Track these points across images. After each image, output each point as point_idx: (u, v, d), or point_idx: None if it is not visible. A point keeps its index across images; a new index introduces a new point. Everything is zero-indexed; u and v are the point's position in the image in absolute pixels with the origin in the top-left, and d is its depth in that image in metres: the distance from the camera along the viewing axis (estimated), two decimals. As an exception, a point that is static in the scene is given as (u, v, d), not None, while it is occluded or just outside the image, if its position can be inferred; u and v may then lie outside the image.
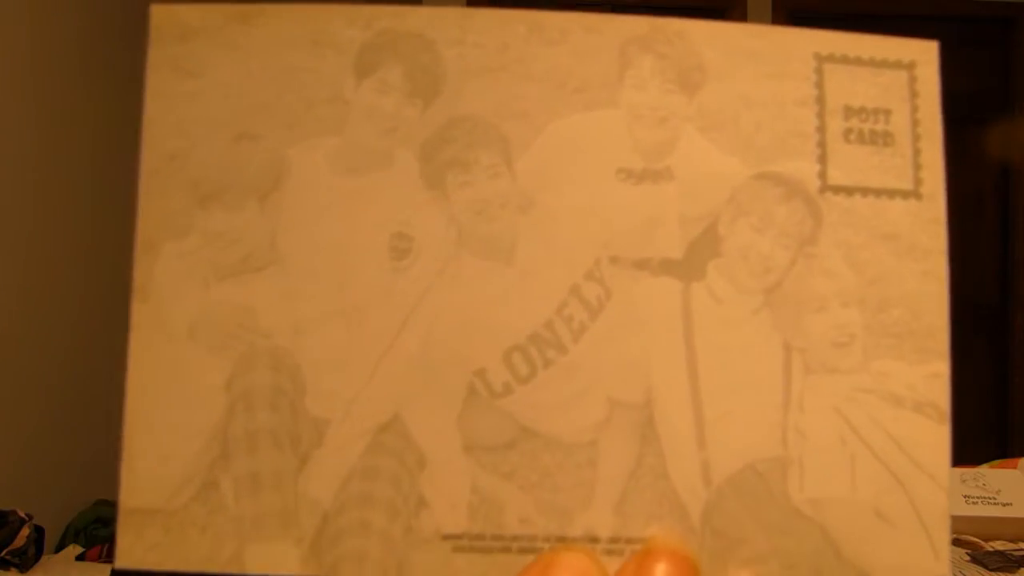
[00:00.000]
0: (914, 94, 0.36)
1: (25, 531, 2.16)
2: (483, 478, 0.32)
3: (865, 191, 0.35)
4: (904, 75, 0.36)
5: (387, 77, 0.34)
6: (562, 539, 0.32)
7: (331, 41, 0.34)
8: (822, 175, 0.35)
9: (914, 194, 0.35)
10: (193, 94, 0.34)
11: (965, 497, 1.75)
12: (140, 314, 0.33)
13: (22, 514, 2.17)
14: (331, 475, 0.33)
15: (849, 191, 0.35)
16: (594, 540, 0.33)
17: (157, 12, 0.35)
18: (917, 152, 0.36)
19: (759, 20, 3.34)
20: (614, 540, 0.33)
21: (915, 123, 0.36)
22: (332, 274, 0.33)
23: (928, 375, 0.34)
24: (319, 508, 0.32)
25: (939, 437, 0.34)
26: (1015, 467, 1.98)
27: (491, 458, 0.33)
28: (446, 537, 0.32)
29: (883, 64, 0.36)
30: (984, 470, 1.92)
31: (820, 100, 0.35)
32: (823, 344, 0.34)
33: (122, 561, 0.32)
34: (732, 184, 0.34)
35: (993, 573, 1.56)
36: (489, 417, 0.33)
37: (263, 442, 0.33)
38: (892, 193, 0.35)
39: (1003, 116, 3.44)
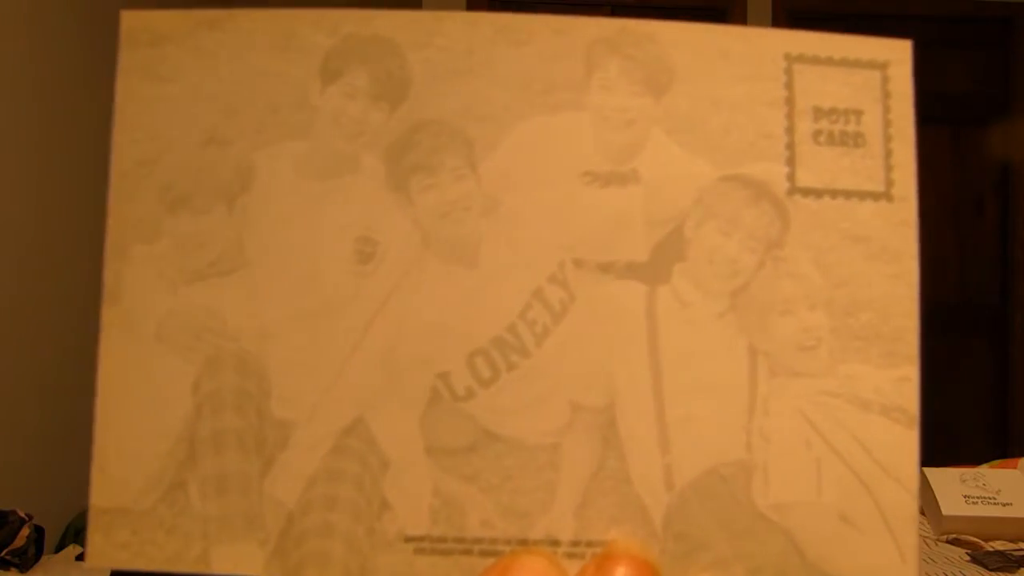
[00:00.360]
0: (886, 94, 0.36)
1: (25, 531, 2.17)
2: (445, 481, 0.33)
3: (835, 193, 0.35)
4: (877, 75, 0.36)
5: (353, 81, 0.34)
6: (523, 542, 0.33)
7: (298, 46, 0.35)
8: (791, 177, 0.35)
9: (885, 196, 0.35)
10: (163, 99, 0.35)
11: (965, 497, 1.75)
12: (109, 316, 0.34)
13: (22, 514, 2.18)
14: (296, 477, 0.33)
15: (818, 193, 0.35)
16: (555, 543, 0.33)
17: (127, 17, 0.35)
18: (889, 153, 0.36)
19: (759, 20, 3.35)
20: (575, 543, 0.33)
21: (887, 124, 0.36)
22: (298, 277, 0.34)
23: (896, 379, 0.34)
24: (284, 510, 0.33)
25: (907, 441, 0.34)
26: (1015, 467, 1.98)
27: (453, 461, 0.33)
28: (408, 539, 0.33)
29: (855, 64, 0.36)
30: (984, 470, 1.92)
31: (790, 101, 0.35)
32: (789, 347, 0.34)
33: (92, 560, 0.33)
34: (699, 186, 0.35)
35: (993, 573, 1.55)
36: (451, 420, 0.34)
37: (229, 444, 0.33)
38: (862, 195, 0.35)
39: (1003, 116, 3.44)
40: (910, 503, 0.34)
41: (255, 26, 0.35)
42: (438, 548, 0.33)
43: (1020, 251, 3.47)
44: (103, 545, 0.33)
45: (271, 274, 0.34)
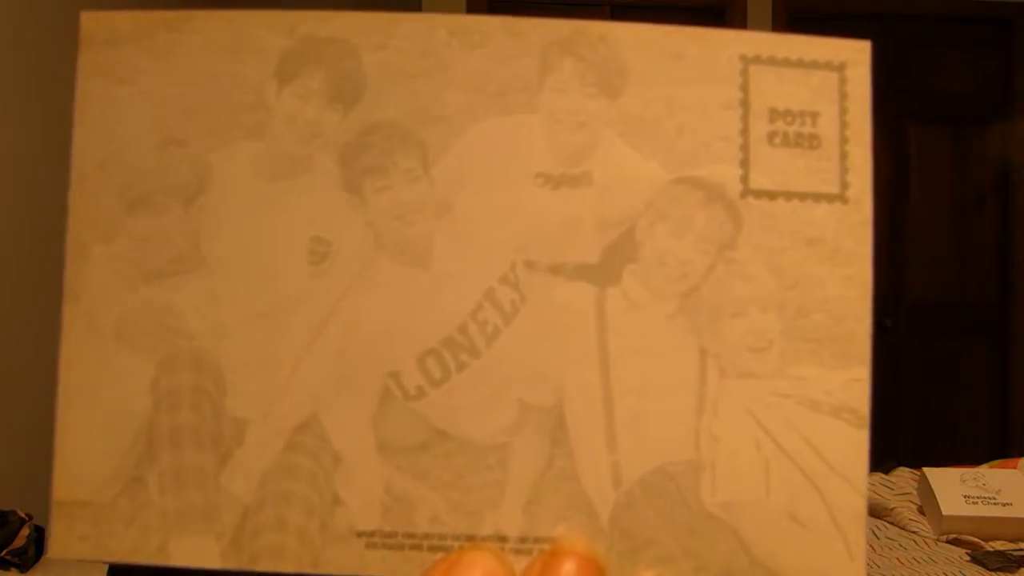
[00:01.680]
0: (843, 96, 0.37)
1: (25, 531, 2.18)
2: (396, 478, 0.35)
3: (789, 195, 0.36)
4: (834, 76, 0.37)
5: (309, 83, 0.35)
6: (472, 538, 0.34)
7: (254, 48, 0.36)
8: (744, 179, 0.36)
9: (840, 198, 0.36)
10: (122, 100, 0.37)
11: (965, 497, 1.76)
12: (70, 315, 0.36)
13: (22, 514, 2.20)
14: (251, 473, 0.35)
15: (772, 195, 0.36)
16: (503, 539, 0.34)
17: (87, 19, 0.36)
18: (844, 155, 0.36)
19: (759, 20, 3.35)
20: (523, 539, 0.35)
21: (843, 125, 0.36)
22: (253, 277, 0.36)
23: (847, 380, 0.35)
24: (239, 504, 0.35)
25: (857, 441, 0.35)
26: (1015, 467, 1.99)
27: (404, 459, 0.35)
28: (360, 534, 0.35)
29: (812, 65, 0.36)
30: (984, 470, 1.93)
31: (745, 103, 0.36)
32: (740, 349, 0.35)
33: (54, 551, 0.35)
34: (651, 189, 0.35)
35: (993, 573, 1.56)
36: (403, 419, 0.35)
37: (186, 440, 0.35)
38: (817, 197, 0.36)
39: (1003, 116, 3.44)
40: (859, 502, 0.35)
41: (212, 27, 0.36)
42: (388, 543, 0.34)
43: (1020, 251, 3.47)
44: (65, 537, 0.35)
45: (227, 274, 0.36)
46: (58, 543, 0.35)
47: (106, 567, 2.04)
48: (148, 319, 0.35)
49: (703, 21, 3.46)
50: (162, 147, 0.36)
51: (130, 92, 0.36)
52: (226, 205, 0.36)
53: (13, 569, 2.14)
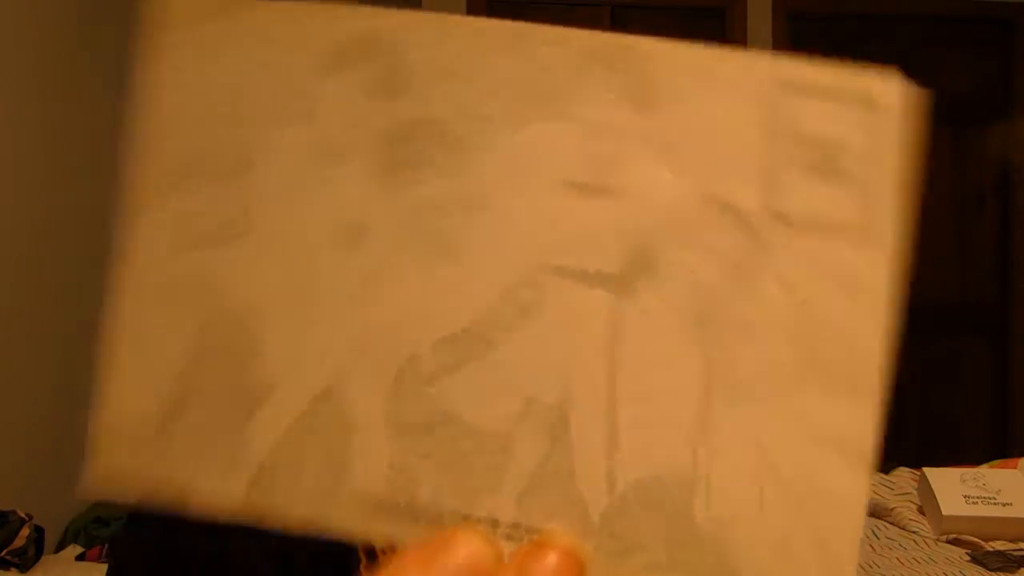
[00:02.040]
0: (875, 129, 0.37)
1: (25, 531, 2.20)
2: (402, 454, 0.37)
3: (811, 224, 0.36)
4: (865, 108, 0.37)
5: (354, 76, 0.38)
6: (467, 518, 0.36)
7: (305, 38, 0.38)
8: (766, 203, 0.36)
9: (861, 228, 0.37)
10: (178, 76, 0.39)
11: (965, 497, 1.76)
12: (118, 276, 0.39)
13: (22, 514, 2.21)
14: (271, 434, 0.37)
15: (792, 221, 0.37)
16: (495, 524, 0.36)
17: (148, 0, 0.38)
18: (869, 185, 0.36)
19: (758, 20, 3.36)
20: (514, 527, 0.36)
21: (871, 157, 0.37)
22: (290, 254, 0.38)
23: (853, 412, 0.36)
24: (257, 460, 0.37)
25: (858, 473, 0.36)
26: (1015, 467, 1.99)
27: (412, 438, 0.37)
28: (365, 502, 0.36)
29: (843, 96, 0.37)
30: (984, 470, 1.93)
31: (774, 128, 0.36)
32: (746, 372, 0.36)
33: (91, 479, 0.38)
34: (674, 205, 0.37)
35: (993, 573, 1.56)
36: (414, 400, 0.37)
37: (216, 397, 0.38)
38: (838, 226, 0.36)
39: (1003, 116, 3.45)
40: (852, 532, 0.35)
41: (265, 17, 0.39)
42: (391, 513, 0.36)
43: (1020, 251, 3.48)
44: (103, 466, 0.38)
45: (266, 248, 0.38)
46: (96, 472, 0.38)
47: (105, 568, 2.04)
48: (190, 284, 0.38)
49: (703, 21, 3.47)
50: (212, 125, 0.39)
51: (186, 75, 0.39)
52: (270, 184, 0.38)
53: (13, 569, 2.15)
